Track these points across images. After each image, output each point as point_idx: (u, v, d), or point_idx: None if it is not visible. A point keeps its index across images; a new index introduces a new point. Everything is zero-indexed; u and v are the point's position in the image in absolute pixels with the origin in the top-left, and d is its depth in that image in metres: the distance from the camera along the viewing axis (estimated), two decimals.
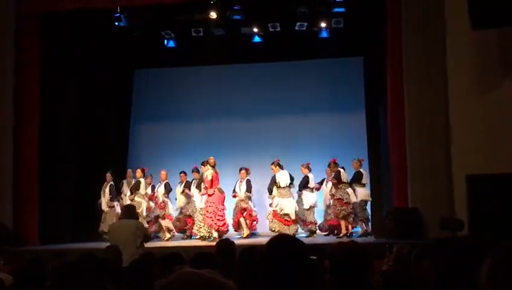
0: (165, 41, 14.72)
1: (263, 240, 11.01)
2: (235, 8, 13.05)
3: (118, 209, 12.78)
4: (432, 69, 11.08)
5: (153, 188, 13.23)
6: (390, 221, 11.03)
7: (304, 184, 12.74)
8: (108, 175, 13.09)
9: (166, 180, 13.31)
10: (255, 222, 12.84)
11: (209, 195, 12.02)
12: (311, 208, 12.69)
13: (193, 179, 13.09)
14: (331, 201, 12.45)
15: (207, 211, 11.93)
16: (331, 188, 12.45)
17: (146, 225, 11.46)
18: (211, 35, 14.01)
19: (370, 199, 12.68)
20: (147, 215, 12.83)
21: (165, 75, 15.69)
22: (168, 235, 12.92)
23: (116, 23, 13.28)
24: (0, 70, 12.19)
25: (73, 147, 13.80)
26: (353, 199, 12.29)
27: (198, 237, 12.37)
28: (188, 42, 14.57)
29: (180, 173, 13.39)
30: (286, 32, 13.95)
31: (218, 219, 11.96)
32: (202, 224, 12.20)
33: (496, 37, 10.29)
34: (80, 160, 13.87)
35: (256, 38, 14.38)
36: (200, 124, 15.26)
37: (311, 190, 12.80)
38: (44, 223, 12.42)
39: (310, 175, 12.83)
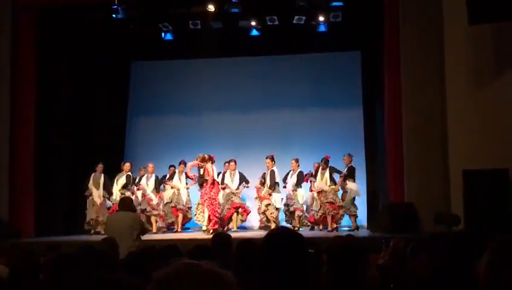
0: (163, 33, 14.66)
1: (259, 234, 11.05)
2: (233, 1, 13.01)
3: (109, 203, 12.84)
4: (429, 64, 11.09)
5: (134, 180, 13.21)
6: (387, 215, 11.06)
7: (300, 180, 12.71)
8: (100, 166, 13.05)
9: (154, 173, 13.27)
10: (247, 215, 12.88)
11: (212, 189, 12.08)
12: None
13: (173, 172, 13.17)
14: (318, 200, 12.37)
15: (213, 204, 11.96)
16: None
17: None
18: (208, 28, 13.97)
19: (360, 195, 12.62)
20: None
21: (162, 68, 15.65)
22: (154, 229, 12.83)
23: (114, 16, 13.23)
24: None
25: (69, 140, 13.76)
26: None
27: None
28: (186, 35, 14.53)
29: (170, 167, 13.39)
30: (284, 25, 13.92)
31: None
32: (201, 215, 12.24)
33: (493, 32, 10.29)
34: (75, 153, 13.84)
35: (254, 32, 14.34)
36: (197, 116, 15.24)
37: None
38: (40, 216, 12.41)
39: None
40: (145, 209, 12.80)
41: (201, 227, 12.25)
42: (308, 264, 2.25)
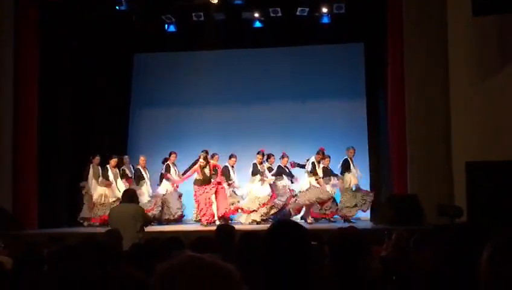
0: (166, 25, 14.65)
1: (262, 226, 11.06)
2: None
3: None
4: (433, 56, 11.06)
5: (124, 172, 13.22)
6: (389, 207, 11.07)
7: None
8: (97, 159, 13.04)
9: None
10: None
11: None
12: None
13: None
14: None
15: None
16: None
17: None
18: (211, 20, 13.94)
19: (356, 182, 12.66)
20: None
21: (165, 60, 15.62)
22: None
23: (117, 7, 13.21)
24: None
25: (72, 133, 13.77)
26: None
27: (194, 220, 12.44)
28: (189, 27, 14.50)
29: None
30: (287, 17, 13.88)
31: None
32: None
33: (497, 24, 10.26)
34: (78, 145, 13.84)
35: (257, 24, 14.31)
36: (200, 108, 15.22)
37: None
38: (43, 208, 12.43)
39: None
40: None
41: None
42: (310, 256, 2.26)
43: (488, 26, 10.24)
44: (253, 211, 12.30)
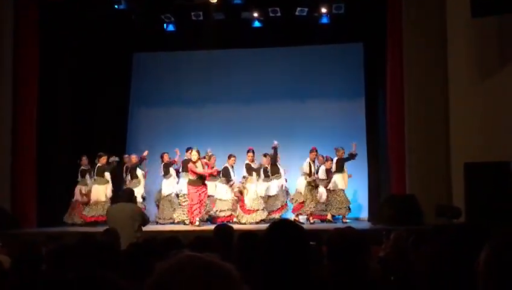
0: (165, 25, 14.64)
1: (260, 226, 11.06)
2: None
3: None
4: (432, 57, 11.07)
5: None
6: (388, 208, 11.07)
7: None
8: (85, 159, 13.02)
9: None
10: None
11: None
12: None
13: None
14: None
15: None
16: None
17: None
18: (210, 19, 13.93)
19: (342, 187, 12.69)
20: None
21: (164, 59, 15.62)
22: None
23: (116, 6, 13.20)
24: None
25: (71, 131, 13.77)
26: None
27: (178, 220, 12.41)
28: (188, 26, 14.49)
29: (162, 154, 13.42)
30: (286, 17, 13.88)
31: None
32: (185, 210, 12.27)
33: (496, 25, 10.26)
34: (77, 144, 13.84)
35: (257, 23, 14.31)
36: (199, 108, 15.22)
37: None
38: (41, 207, 12.43)
39: None
40: None
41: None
42: (309, 256, 2.25)
43: (487, 27, 10.25)
44: (256, 210, 12.29)
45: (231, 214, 12.55)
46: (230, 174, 12.65)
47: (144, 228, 7.64)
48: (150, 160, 13.56)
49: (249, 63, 15.18)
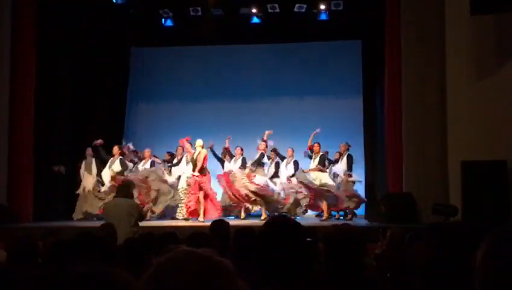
0: (163, 20, 14.63)
1: (257, 222, 11.06)
2: None
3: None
4: (430, 55, 11.07)
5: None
6: (385, 205, 11.08)
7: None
8: (89, 150, 12.92)
9: (152, 159, 13.12)
10: None
11: (203, 175, 11.94)
12: None
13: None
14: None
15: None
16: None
17: None
18: (209, 15, 13.93)
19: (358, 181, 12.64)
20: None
21: (162, 54, 15.62)
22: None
23: (114, 1, 13.18)
24: None
25: (69, 126, 13.76)
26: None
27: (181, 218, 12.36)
28: (186, 21, 14.49)
29: (166, 153, 13.39)
30: (285, 13, 13.89)
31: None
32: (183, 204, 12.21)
33: (494, 23, 10.26)
34: (75, 139, 13.83)
35: (255, 19, 14.32)
36: (196, 103, 15.23)
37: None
38: (38, 201, 12.42)
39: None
40: None
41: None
42: (306, 252, 2.26)
43: (486, 26, 10.25)
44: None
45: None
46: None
47: (141, 223, 7.64)
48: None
49: (247, 59, 15.18)
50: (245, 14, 14.32)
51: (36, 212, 12.26)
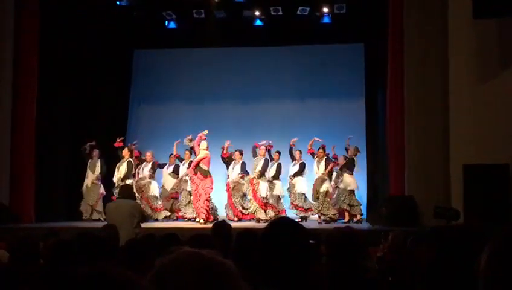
0: (166, 22, 14.65)
1: (258, 225, 11.07)
2: None
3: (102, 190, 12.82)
4: (432, 58, 11.06)
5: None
6: (386, 208, 11.07)
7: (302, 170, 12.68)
8: (96, 151, 12.99)
9: (153, 161, 13.16)
10: None
11: (205, 177, 11.94)
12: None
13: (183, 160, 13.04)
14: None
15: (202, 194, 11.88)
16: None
17: None
18: (212, 17, 13.95)
19: (356, 188, 12.64)
20: None
21: (165, 56, 15.62)
22: None
23: (117, 2, 13.20)
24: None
25: (70, 127, 13.77)
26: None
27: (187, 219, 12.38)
28: (189, 24, 14.51)
29: (170, 155, 13.39)
30: (288, 16, 13.91)
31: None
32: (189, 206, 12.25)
33: (497, 26, 10.25)
34: (77, 139, 13.82)
35: (258, 22, 14.33)
36: (199, 105, 15.24)
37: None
38: (40, 201, 12.44)
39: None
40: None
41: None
42: (309, 255, 2.26)
43: (488, 29, 10.23)
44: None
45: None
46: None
47: (143, 225, 7.65)
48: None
49: (250, 61, 15.19)
50: (248, 17, 14.33)
51: (37, 213, 12.28)
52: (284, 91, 14.92)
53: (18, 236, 4.68)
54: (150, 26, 14.82)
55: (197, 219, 11.85)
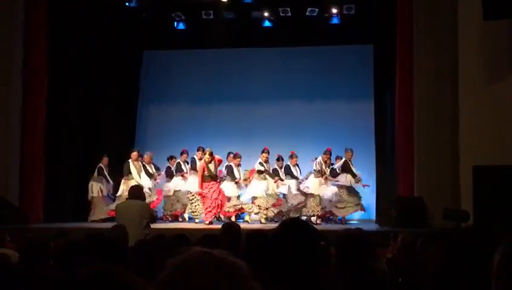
0: (175, 23, 14.68)
1: (268, 225, 11.06)
2: None
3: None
4: (442, 59, 11.02)
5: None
6: (395, 209, 11.05)
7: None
8: (106, 159, 13.13)
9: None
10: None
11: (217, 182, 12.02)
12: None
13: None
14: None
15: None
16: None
17: None
18: (221, 18, 13.96)
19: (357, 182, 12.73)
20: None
21: (174, 57, 15.64)
22: None
23: (127, 4, 13.23)
24: (9, 52, 12.13)
25: (79, 128, 13.81)
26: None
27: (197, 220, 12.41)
28: (198, 25, 14.52)
29: (170, 159, 13.42)
30: (297, 17, 13.89)
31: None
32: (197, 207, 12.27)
33: (508, 28, 10.21)
34: (86, 141, 13.89)
35: (267, 23, 14.33)
36: (208, 106, 15.25)
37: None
38: (49, 202, 12.49)
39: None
40: None
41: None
42: (319, 256, 2.26)
43: (499, 30, 10.19)
44: (266, 209, 12.28)
45: (236, 210, 12.53)
46: (234, 173, 12.65)
47: (152, 226, 7.66)
48: (159, 158, 13.56)
49: (259, 62, 15.18)
50: (257, 18, 14.33)
51: (46, 214, 12.33)
52: (292, 92, 14.91)
53: (27, 237, 4.70)
54: (159, 27, 14.85)
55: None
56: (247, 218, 12.51)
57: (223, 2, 13.03)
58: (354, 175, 12.47)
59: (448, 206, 10.10)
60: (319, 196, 12.32)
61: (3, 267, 3.60)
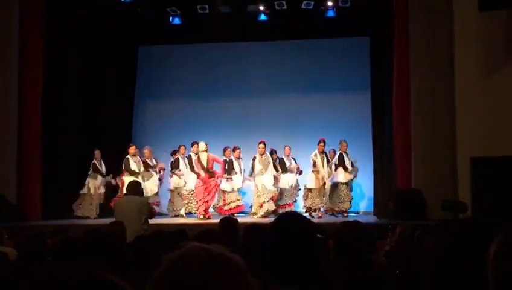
0: (170, 18, 14.64)
1: (266, 220, 11.07)
2: None
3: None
4: (439, 51, 11.02)
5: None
6: (393, 202, 11.06)
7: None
8: (98, 153, 13.01)
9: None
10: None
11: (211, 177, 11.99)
12: None
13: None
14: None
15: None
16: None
17: None
18: (216, 12, 13.92)
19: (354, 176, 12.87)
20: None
21: (170, 52, 15.61)
22: None
23: None
24: (4, 54, 12.08)
25: (77, 124, 13.78)
26: None
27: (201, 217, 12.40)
28: (193, 19, 14.48)
29: (172, 154, 13.42)
30: (292, 10, 13.86)
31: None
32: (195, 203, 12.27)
33: (503, 19, 10.21)
34: (83, 137, 13.87)
35: (262, 17, 14.30)
36: (204, 101, 15.23)
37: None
38: (47, 199, 12.47)
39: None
40: None
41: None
42: (317, 249, 2.25)
43: (495, 22, 10.20)
44: (263, 202, 12.25)
45: (237, 206, 12.50)
46: (233, 167, 12.63)
47: (150, 221, 7.66)
48: (156, 153, 13.54)
49: (255, 56, 15.16)
50: (252, 12, 14.30)
51: (45, 211, 12.31)
52: (289, 85, 14.90)
53: (26, 234, 4.70)
54: (155, 22, 14.80)
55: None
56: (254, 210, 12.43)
57: None
58: (345, 168, 12.48)
59: (446, 197, 10.12)
60: (317, 189, 12.32)
61: (1, 264, 3.60)
